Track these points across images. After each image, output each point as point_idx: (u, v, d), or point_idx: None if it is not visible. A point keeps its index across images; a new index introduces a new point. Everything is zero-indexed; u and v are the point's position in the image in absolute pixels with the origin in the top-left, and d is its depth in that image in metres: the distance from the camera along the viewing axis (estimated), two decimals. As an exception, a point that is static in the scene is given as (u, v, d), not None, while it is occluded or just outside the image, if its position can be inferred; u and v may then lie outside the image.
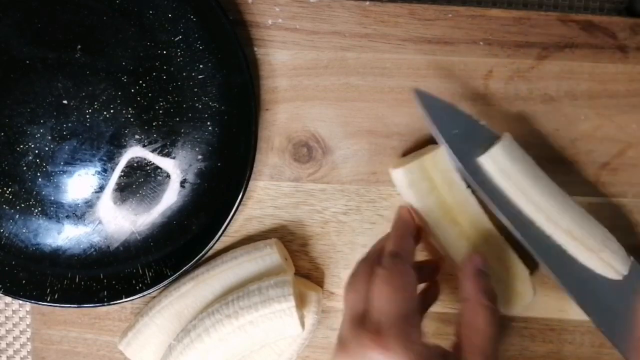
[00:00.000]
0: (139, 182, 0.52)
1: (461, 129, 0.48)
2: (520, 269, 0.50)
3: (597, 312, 0.47)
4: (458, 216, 0.49)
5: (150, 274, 0.52)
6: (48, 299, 0.52)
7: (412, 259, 0.45)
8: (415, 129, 0.52)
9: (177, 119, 0.51)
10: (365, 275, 0.43)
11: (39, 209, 0.52)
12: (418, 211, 0.49)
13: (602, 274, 0.48)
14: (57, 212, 0.52)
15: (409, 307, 0.41)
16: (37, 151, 0.52)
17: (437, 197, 0.49)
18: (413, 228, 0.48)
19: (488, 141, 0.48)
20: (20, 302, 0.58)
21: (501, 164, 0.47)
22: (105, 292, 0.52)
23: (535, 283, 0.50)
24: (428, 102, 0.48)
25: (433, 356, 0.40)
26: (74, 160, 0.52)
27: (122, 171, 0.52)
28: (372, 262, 0.44)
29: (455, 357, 0.42)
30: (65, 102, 0.51)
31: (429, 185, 0.49)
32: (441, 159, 0.49)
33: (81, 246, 0.53)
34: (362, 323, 0.41)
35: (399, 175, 0.49)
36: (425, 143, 0.52)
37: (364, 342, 0.39)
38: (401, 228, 0.47)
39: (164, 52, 0.51)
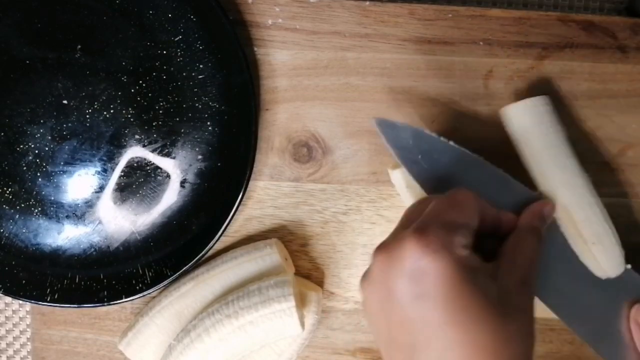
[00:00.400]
0: (139, 182, 0.52)
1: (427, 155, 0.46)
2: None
3: (569, 311, 0.46)
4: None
5: (150, 274, 0.52)
6: (48, 299, 0.52)
7: (482, 205, 0.44)
8: (415, 129, 0.52)
9: (177, 119, 0.51)
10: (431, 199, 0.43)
11: (39, 209, 0.52)
12: None
13: (591, 269, 0.47)
14: (57, 212, 0.52)
15: (461, 221, 0.41)
16: (37, 151, 0.52)
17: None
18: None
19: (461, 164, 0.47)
20: (20, 302, 0.58)
21: (526, 120, 0.47)
22: (105, 292, 0.52)
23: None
24: (390, 130, 0.46)
25: (472, 264, 0.39)
26: (74, 160, 0.52)
27: (122, 171, 0.52)
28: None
29: (492, 272, 0.41)
30: (65, 102, 0.51)
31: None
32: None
33: (81, 246, 0.53)
34: (409, 226, 0.40)
35: (398, 176, 0.49)
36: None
37: (406, 237, 0.39)
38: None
39: (164, 52, 0.51)
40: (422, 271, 0.38)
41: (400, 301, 0.38)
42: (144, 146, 0.52)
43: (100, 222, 0.53)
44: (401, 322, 0.39)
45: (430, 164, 0.46)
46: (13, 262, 0.53)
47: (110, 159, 0.52)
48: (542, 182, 0.47)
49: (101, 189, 0.52)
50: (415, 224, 0.40)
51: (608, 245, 0.47)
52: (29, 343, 0.60)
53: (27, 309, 0.59)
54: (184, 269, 0.52)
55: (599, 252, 0.46)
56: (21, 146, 0.52)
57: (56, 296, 0.52)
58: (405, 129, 0.46)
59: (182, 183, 0.52)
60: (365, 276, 0.41)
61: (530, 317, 0.40)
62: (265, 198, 0.53)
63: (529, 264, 0.42)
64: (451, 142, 0.47)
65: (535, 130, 0.47)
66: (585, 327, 0.46)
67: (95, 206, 0.52)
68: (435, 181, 0.46)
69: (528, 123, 0.47)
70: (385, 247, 0.40)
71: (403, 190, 0.50)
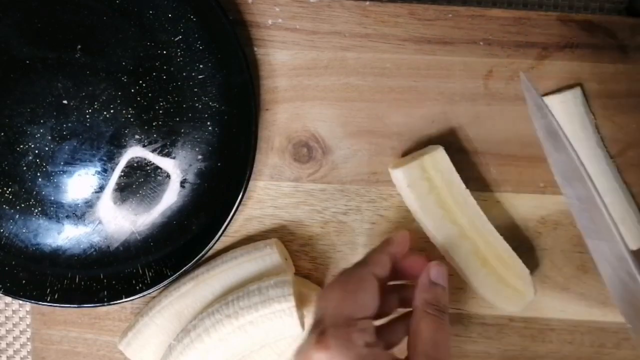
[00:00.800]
0: (139, 182, 0.52)
1: None
2: (520, 268, 0.50)
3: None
4: (458, 216, 0.49)
5: (150, 274, 0.52)
6: (48, 299, 0.52)
7: (377, 269, 0.44)
8: (415, 129, 0.52)
9: (177, 119, 0.51)
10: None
11: (39, 209, 0.52)
12: (417, 213, 0.49)
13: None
14: (57, 212, 0.52)
15: (356, 311, 0.41)
16: (37, 151, 0.52)
17: (437, 197, 0.49)
18: (398, 249, 0.47)
19: None
20: (20, 302, 0.58)
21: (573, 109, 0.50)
22: (105, 292, 0.52)
23: (535, 282, 0.51)
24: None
25: (376, 358, 0.40)
26: (74, 160, 0.52)
27: (122, 171, 0.52)
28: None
29: None
30: (65, 102, 0.51)
31: (428, 185, 0.49)
32: (441, 159, 0.50)
33: (81, 246, 0.53)
34: (315, 328, 0.41)
35: (399, 175, 0.49)
36: (425, 143, 0.52)
37: (311, 341, 0.40)
38: (383, 244, 0.47)
39: (164, 52, 0.51)
40: None
41: None
42: (144, 146, 0.52)
43: (100, 222, 0.53)
44: None
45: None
46: (13, 262, 0.53)
47: (110, 159, 0.52)
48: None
49: (101, 189, 0.52)
50: (317, 329, 0.41)
51: (630, 225, 0.51)
52: (29, 343, 0.60)
53: (27, 309, 0.59)
54: (184, 269, 0.52)
55: (621, 231, 0.48)
56: (21, 146, 0.52)
57: (56, 296, 0.52)
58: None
59: (182, 183, 0.52)
60: None
61: None
62: (265, 198, 0.53)
63: (431, 344, 0.41)
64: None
65: (567, 122, 0.50)
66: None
67: (95, 206, 0.52)
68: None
69: (561, 114, 0.50)
70: (297, 354, 0.42)
71: (403, 190, 0.50)
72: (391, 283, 0.47)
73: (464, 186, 0.50)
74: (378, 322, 0.45)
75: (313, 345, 0.40)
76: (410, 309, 0.45)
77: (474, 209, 0.50)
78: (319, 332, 0.40)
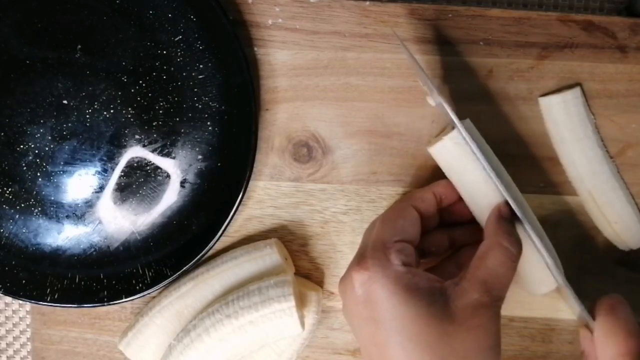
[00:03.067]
0: (139, 182, 0.52)
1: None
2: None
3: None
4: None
5: (150, 274, 0.52)
6: (48, 299, 0.52)
7: (420, 203, 0.46)
8: (415, 129, 0.52)
9: (177, 119, 0.51)
10: None
11: (39, 209, 0.52)
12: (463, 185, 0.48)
13: (614, 243, 0.51)
14: (57, 212, 0.52)
15: (393, 234, 0.43)
16: (37, 151, 0.52)
17: (483, 162, 0.46)
18: (442, 190, 0.48)
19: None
20: (20, 302, 0.58)
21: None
22: (105, 292, 0.52)
23: None
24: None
25: (413, 280, 0.41)
26: (74, 160, 0.52)
27: (122, 171, 0.52)
28: None
29: (453, 285, 0.41)
30: (65, 102, 0.51)
31: (471, 153, 0.47)
32: (471, 131, 0.48)
33: (81, 246, 0.53)
34: (358, 253, 0.45)
35: (440, 149, 0.47)
36: (425, 143, 0.52)
37: (352, 265, 0.43)
38: (427, 186, 0.49)
39: (164, 52, 0.51)
40: (367, 295, 0.41)
41: (359, 324, 0.42)
42: (144, 146, 0.52)
43: (100, 222, 0.53)
44: (365, 340, 0.42)
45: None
46: (13, 262, 0.53)
47: (110, 159, 0.52)
48: (570, 168, 0.51)
49: (101, 189, 0.52)
50: (359, 254, 0.44)
51: (629, 223, 0.51)
52: (29, 343, 0.60)
53: (27, 309, 0.59)
54: (184, 269, 0.52)
55: (620, 229, 0.50)
56: (21, 146, 0.52)
57: (56, 296, 0.52)
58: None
59: (182, 183, 0.52)
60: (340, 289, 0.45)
61: (492, 333, 0.41)
62: (265, 198, 0.53)
63: (494, 274, 0.41)
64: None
65: (567, 122, 0.50)
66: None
67: (95, 206, 0.52)
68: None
69: (561, 114, 0.50)
70: (341, 279, 0.44)
71: (449, 163, 0.48)
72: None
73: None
74: (427, 263, 0.48)
75: (354, 267, 0.42)
76: (461, 247, 0.48)
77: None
78: (360, 256, 0.43)
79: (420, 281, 0.41)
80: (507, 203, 0.45)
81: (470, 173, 0.47)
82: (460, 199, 0.49)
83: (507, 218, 0.45)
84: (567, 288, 0.46)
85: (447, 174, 0.49)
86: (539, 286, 0.49)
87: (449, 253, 0.50)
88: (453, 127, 0.47)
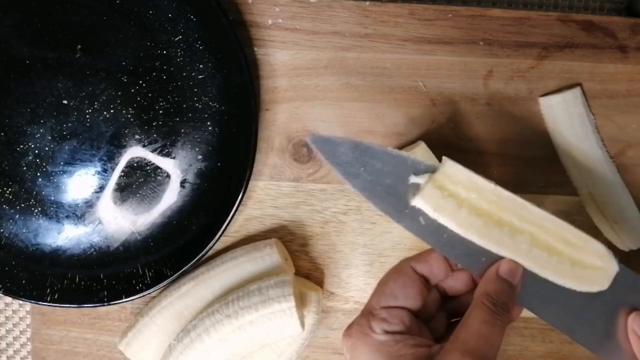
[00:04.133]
0: (139, 182, 0.52)
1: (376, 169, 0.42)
2: (593, 244, 0.44)
3: (574, 329, 0.44)
4: (502, 216, 0.43)
5: (150, 274, 0.52)
6: (48, 299, 0.52)
7: (421, 265, 0.43)
8: (415, 129, 0.52)
9: (177, 119, 0.51)
10: None
11: (39, 209, 0.52)
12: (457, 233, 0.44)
13: (614, 243, 0.51)
14: (57, 212, 0.52)
15: (381, 300, 0.42)
16: (37, 151, 0.52)
17: (470, 208, 0.43)
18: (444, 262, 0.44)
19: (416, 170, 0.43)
20: (20, 302, 0.58)
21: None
22: (105, 292, 0.52)
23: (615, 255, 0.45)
24: (327, 146, 0.42)
25: (394, 349, 0.40)
26: (74, 160, 0.52)
27: (122, 171, 0.52)
28: None
29: (439, 348, 0.40)
30: (65, 102, 0.51)
31: (455, 201, 0.43)
32: (452, 170, 0.44)
33: (81, 246, 0.53)
34: None
35: (420, 205, 0.43)
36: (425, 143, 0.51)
37: (345, 331, 0.43)
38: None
39: (164, 52, 0.51)
40: (353, 356, 0.41)
41: None
42: (144, 146, 0.52)
43: (100, 222, 0.53)
44: None
45: (373, 174, 0.42)
46: (13, 262, 0.53)
47: (110, 159, 0.52)
48: (570, 168, 0.51)
49: (101, 189, 0.52)
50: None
51: (629, 223, 0.51)
52: (29, 343, 0.60)
53: (27, 309, 0.59)
54: (184, 269, 0.52)
55: (620, 229, 0.51)
56: (21, 146, 0.52)
57: (56, 296, 0.52)
58: (343, 143, 0.42)
59: (182, 183, 0.52)
60: None
61: None
62: (265, 198, 0.53)
63: (474, 338, 0.39)
64: (389, 148, 0.43)
65: (567, 122, 0.51)
66: (583, 334, 0.44)
67: (95, 206, 0.52)
68: (380, 192, 0.43)
69: (561, 114, 0.51)
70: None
71: (433, 216, 0.43)
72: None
73: (492, 184, 0.44)
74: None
75: (343, 333, 0.43)
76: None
77: (515, 202, 0.44)
78: (351, 323, 0.43)
79: (403, 349, 0.40)
80: (510, 260, 0.42)
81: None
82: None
83: (501, 277, 0.42)
84: None
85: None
86: None
87: None
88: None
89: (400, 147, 0.52)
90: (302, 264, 0.54)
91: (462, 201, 0.43)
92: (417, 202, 0.43)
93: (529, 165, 0.52)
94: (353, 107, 0.52)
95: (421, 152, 0.49)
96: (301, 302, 0.51)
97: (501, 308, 0.41)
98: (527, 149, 0.52)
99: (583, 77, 0.51)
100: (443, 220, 0.43)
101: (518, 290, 0.42)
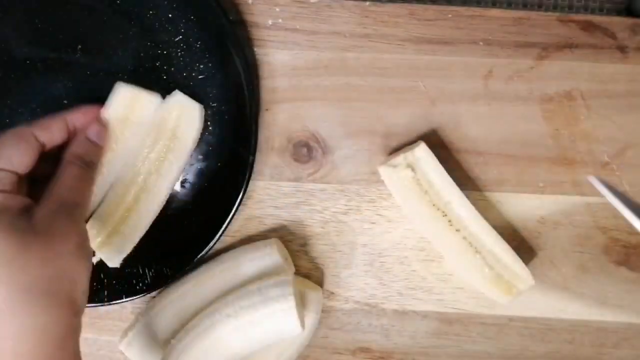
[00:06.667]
0: (139, 182, 0.52)
1: None
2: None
3: None
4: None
5: (151, 273, 0.52)
6: (48, 299, 0.52)
7: (43, 132, 0.45)
8: (415, 129, 0.52)
9: (177, 119, 0.51)
10: None
11: (39, 209, 0.52)
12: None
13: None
14: (57, 212, 0.52)
15: None
16: (37, 151, 0.52)
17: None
18: (78, 117, 0.48)
19: None
20: (21, 302, 0.58)
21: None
22: (106, 292, 0.52)
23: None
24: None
25: (2, 200, 0.41)
26: (74, 160, 0.52)
27: (122, 171, 0.52)
28: None
29: (29, 203, 0.42)
30: (65, 102, 0.51)
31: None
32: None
33: (81, 246, 0.53)
34: None
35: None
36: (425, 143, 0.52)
37: None
38: (64, 114, 0.48)
39: (164, 52, 0.51)
40: None
41: None
42: (144, 146, 0.52)
43: (100, 222, 0.53)
44: None
45: None
46: (13, 262, 0.53)
47: (110, 159, 0.52)
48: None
49: (101, 189, 0.52)
50: None
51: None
52: (29, 343, 0.60)
53: (28, 309, 0.59)
54: (184, 269, 0.52)
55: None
56: (21, 146, 0.52)
57: (56, 296, 0.52)
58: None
59: (182, 183, 0.52)
60: None
61: (70, 238, 0.41)
62: (265, 198, 0.53)
63: (67, 191, 0.43)
64: None
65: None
66: None
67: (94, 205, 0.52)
68: None
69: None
70: None
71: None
72: None
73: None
74: None
75: None
76: None
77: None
78: None
79: (8, 202, 0.42)
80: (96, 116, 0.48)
81: (415, 200, 0.50)
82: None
83: (91, 139, 0.47)
84: None
85: (395, 195, 0.51)
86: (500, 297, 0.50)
87: None
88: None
89: (400, 147, 0.52)
90: (302, 264, 0.54)
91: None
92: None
93: (529, 165, 0.52)
94: (353, 107, 0.52)
95: (421, 152, 0.49)
96: (301, 302, 0.51)
97: (89, 165, 0.46)
98: (527, 149, 0.52)
99: (582, 77, 0.51)
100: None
101: (105, 149, 0.48)
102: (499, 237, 0.50)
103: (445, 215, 0.50)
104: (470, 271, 0.50)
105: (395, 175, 0.49)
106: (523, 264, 0.50)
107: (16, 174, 0.43)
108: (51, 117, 0.46)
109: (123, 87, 0.49)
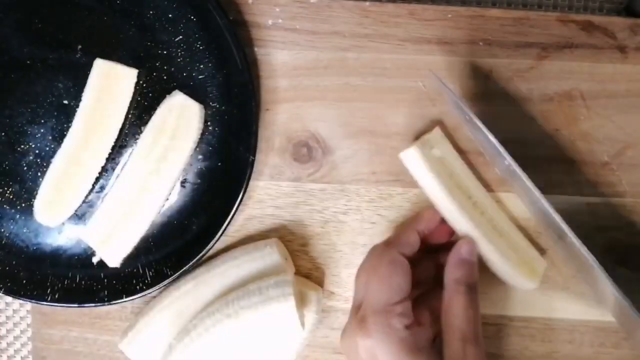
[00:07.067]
0: (139, 182, 0.52)
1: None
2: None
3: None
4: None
5: (151, 273, 0.52)
6: (49, 299, 0.52)
7: (407, 249, 0.47)
8: (415, 129, 0.52)
9: (177, 119, 0.51)
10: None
11: (40, 208, 0.52)
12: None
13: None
14: (57, 212, 0.53)
15: (392, 296, 0.44)
16: (37, 151, 0.52)
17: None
18: (426, 225, 0.49)
19: None
20: (21, 301, 0.58)
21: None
22: (106, 292, 0.53)
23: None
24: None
25: (415, 341, 0.43)
26: (74, 160, 0.52)
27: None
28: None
29: (439, 339, 0.44)
30: (65, 102, 0.51)
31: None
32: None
33: (82, 246, 0.53)
34: (356, 311, 0.44)
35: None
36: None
37: (354, 329, 0.44)
38: (411, 222, 0.49)
39: (164, 52, 0.51)
40: (373, 355, 0.42)
41: None
42: (144, 146, 0.52)
43: (100, 222, 0.53)
44: None
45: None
46: (14, 262, 0.53)
47: (110, 158, 0.52)
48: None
49: (102, 188, 0.52)
50: (358, 315, 0.44)
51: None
52: (29, 342, 0.60)
53: (28, 309, 0.60)
54: (184, 268, 0.52)
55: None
56: (22, 146, 0.52)
57: (57, 296, 0.52)
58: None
59: (182, 183, 0.52)
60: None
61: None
62: (265, 198, 0.54)
63: (465, 320, 0.44)
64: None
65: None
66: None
67: (95, 206, 0.52)
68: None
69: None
70: (343, 338, 0.45)
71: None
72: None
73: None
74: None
75: (357, 333, 0.43)
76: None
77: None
78: (360, 319, 0.44)
79: (421, 342, 0.44)
80: (468, 241, 0.47)
81: (439, 182, 0.48)
82: (440, 221, 0.49)
83: (465, 259, 0.47)
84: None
85: (418, 181, 0.50)
86: (525, 282, 0.50)
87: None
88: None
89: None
90: (302, 264, 0.54)
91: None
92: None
93: (529, 165, 0.52)
94: (353, 107, 0.52)
95: (436, 137, 0.50)
96: (301, 302, 0.51)
97: (473, 288, 0.45)
98: (527, 149, 0.52)
99: (582, 77, 0.51)
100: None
101: (477, 264, 0.47)
102: (510, 222, 0.51)
103: (470, 197, 0.50)
104: (499, 255, 0.48)
105: (422, 158, 0.48)
106: (533, 247, 0.51)
107: (409, 297, 0.45)
108: (402, 232, 0.48)
109: (100, 62, 0.50)
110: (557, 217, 0.45)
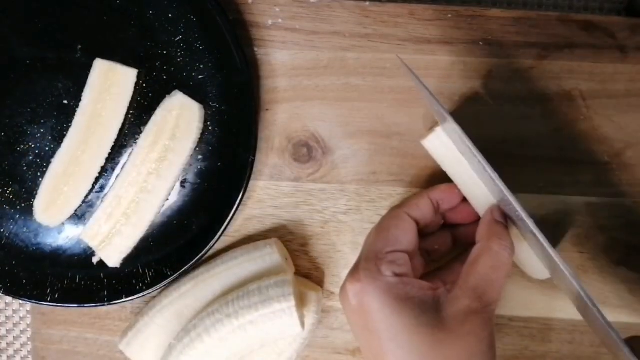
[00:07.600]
0: (139, 182, 0.52)
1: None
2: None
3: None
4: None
5: (151, 273, 0.52)
6: (48, 299, 0.52)
7: (415, 211, 0.47)
8: (415, 129, 0.52)
9: (177, 119, 0.51)
10: None
11: (40, 208, 0.52)
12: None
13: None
14: (57, 212, 0.52)
15: (386, 245, 0.44)
16: (37, 151, 0.52)
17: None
18: (440, 195, 0.48)
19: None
20: (21, 301, 0.58)
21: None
22: (106, 292, 0.52)
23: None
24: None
25: (405, 290, 0.42)
26: (74, 160, 0.52)
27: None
28: None
29: (445, 292, 0.42)
30: (65, 102, 0.51)
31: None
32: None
33: (82, 246, 0.53)
34: (354, 264, 0.46)
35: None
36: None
37: (347, 276, 0.44)
38: (424, 190, 0.49)
39: (164, 52, 0.51)
40: (361, 306, 0.42)
41: (356, 332, 0.44)
42: (144, 146, 0.52)
43: (100, 222, 0.53)
44: (363, 347, 0.44)
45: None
46: (14, 262, 0.53)
47: (110, 158, 0.52)
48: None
49: (102, 188, 0.52)
50: (354, 266, 0.45)
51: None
52: (29, 343, 0.60)
53: (28, 309, 0.60)
54: (184, 269, 0.52)
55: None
56: (22, 146, 0.52)
57: (56, 296, 0.52)
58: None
59: (182, 183, 0.52)
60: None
61: (483, 339, 0.40)
62: (265, 198, 0.54)
63: (486, 280, 0.41)
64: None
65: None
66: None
67: (95, 206, 0.52)
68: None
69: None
70: (341, 288, 0.45)
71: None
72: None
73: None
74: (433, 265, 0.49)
75: (348, 278, 0.44)
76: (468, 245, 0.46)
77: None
78: (354, 268, 0.44)
79: (412, 290, 0.42)
80: (499, 206, 0.46)
81: (465, 164, 0.47)
82: (463, 200, 0.48)
83: (499, 221, 0.45)
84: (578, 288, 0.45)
85: (442, 166, 0.49)
86: (540, 272, 0.48)
87: (456, 252, 0.50)
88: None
89: (400, 147, 0.52)
90: (302, 264, 0.54)
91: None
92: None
93: (529, 165, 0.52)
94: (353, 107, 0.52)
95: (446, 129, 0.49)
96: (301, 302, 0.51)
97: (507, 252, 0.43)
98: (527, 149, 0.52)
99: (582, 77, 0.51)
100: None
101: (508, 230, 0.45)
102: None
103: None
104: (517, 241, 0.47)
105: (446, 139, 0.47)
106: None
107: (407, 253, 0.44)
108: (415, 195, 0.49)
109: (100, 62, 0.50)
110: (524, 214, 0.43)
